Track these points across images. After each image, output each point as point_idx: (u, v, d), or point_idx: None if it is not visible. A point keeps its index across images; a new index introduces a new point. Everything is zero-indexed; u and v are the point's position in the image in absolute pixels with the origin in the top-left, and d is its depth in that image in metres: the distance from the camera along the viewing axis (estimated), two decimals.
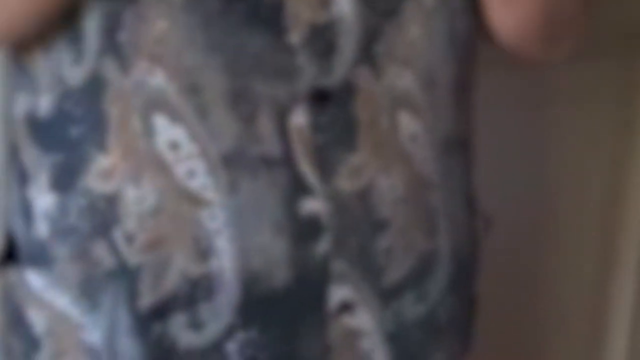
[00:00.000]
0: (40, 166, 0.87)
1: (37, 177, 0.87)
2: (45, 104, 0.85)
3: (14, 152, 0.91)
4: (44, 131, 0.86)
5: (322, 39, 0.82)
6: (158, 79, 0.81)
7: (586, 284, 1.41)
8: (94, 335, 0.87)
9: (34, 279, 0.89)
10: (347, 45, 0.83)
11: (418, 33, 0.86)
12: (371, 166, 0.85)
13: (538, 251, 1.43)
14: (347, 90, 0.83)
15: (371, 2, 0.83)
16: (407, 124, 0.87)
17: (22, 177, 0.89)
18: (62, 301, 0.87)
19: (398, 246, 0.88)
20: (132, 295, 0.84)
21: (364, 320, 0.88)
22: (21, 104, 0.88)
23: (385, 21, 0.84)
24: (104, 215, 0.84)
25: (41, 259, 0.88)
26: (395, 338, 0.91)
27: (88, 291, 0.86)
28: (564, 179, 1.32)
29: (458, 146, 0.94)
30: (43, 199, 0.87)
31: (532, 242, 1.41)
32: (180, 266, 0.83)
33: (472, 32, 0.92)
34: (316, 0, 0.81)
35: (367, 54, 0.84)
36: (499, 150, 1.22)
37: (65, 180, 0.85)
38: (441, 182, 0.91)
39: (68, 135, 0.84)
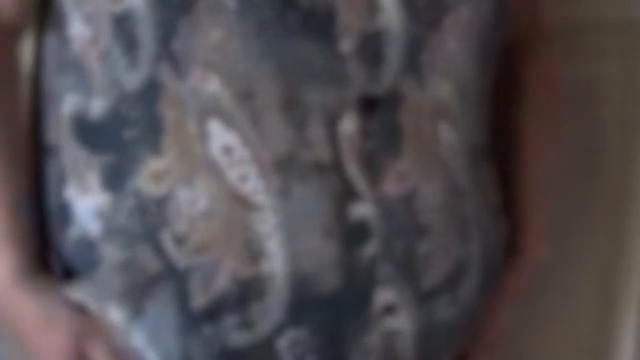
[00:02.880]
0: (88, 166, 0.88)
1: (82, 177, 0.88)
2: (98, 105, 0.86)
3: (49, 154, 0.91)
4: (95, 132, 0.87)
5: (371, 47, 0.84)
6: (213, 86, 0.83)
7: (594, 286, 1.43)
8: (136, 339, 0.88)
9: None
10: (394, 54, 0.85)
11: (455, 45, 0.89)
12: (415, 172, 0.87)
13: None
14: (394, 99, 0.86)
15: (416, 14, 0.85)
16: (446, 133, 0.90)
17: (60, 179, 0.90)
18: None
19: (436, 251, 0.90)
20: (182, 296, 0.86)
21: (403, 322, 0.90)
22: (69, 105, 0.89)
23: (428, 32, 0.86)
24: (152, 218, 0.85)
25: (82, 261, 0.89)
26: (426, 340, 0.93)
27: (131, 298, 0.87)
28: (574, 176, 1.34)
29: (486, 156, 0.97)
30: (93, 198, 0.87)
31: None
32: (231, 268, 0.84)
33: (501, 45, 0.96)
34: (365, 9, 0.83)
35: (412, 64, 0.86)
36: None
37: (115, 180, 0.86)
38: (472, 190, 0.93)
39: (121, 137, 0.85)
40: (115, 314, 0.88)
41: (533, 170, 1.06)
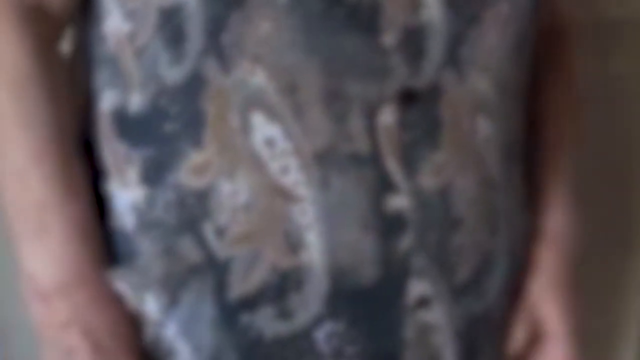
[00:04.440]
0: (128, 161, 0.88)
1: (122, 172, 0.88)
2: (137, 100, 0.87)
3: (91, 149, 0.91)
4: (135, 127, 0.87)
5: (414, 41, 0.85)
6: (258, 78, 0.83)
7: (600, 278, 1.43)
8: (169, 330, 0.88)
9: None
10: (435, 48, 0.86)
11: (495, 40, 0.89)
12: (451, 165, 0.88)
13: None
14: (434, 92, 0.86)
15: (457, 8, 0.86)
16: (484, 127, 0.90)
17: (101, 173, 0.90)
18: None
19: (468, 244, 0.91)
20: (220, 287, 0.86)
21: (438, 316, 0.91)
22: (109, 100, 0.89)
23: (469, 27, 0.87)
24: (192, 210, 0.85)
25: (122, 254, 0.89)
26: (462, 334, 0.93)
27: (169, 287, 0.87)
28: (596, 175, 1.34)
29: (518, 151, 0.98)
30: (131, 193, 0.88)
31: None
32: (271, 259, 0.85)
33: (534, 42, 0.97)
34: (409, 4, 0.84)
35: (453, 58, 0.87)
36: None
37: (155, 174, 0.86)
38: (504, 184, 0.94)
39: (161, 131, 0.86)
40: (151, 305, 0.88)
41: (557, 166, 1.06)
